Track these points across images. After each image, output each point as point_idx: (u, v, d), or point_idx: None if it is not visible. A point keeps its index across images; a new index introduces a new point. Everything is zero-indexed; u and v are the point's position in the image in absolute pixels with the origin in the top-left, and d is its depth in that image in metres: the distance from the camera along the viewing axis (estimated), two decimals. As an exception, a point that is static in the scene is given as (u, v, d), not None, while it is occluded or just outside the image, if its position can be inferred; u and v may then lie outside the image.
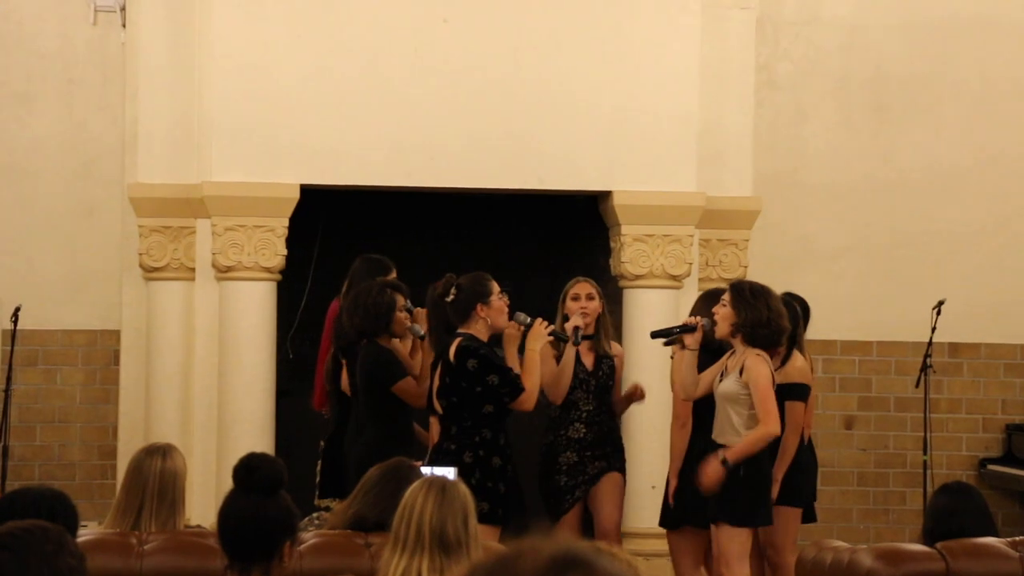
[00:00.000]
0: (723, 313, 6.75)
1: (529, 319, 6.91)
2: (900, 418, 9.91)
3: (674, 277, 9.07)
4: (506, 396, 6.66)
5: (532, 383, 6.75)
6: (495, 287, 6.80)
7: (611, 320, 7.79)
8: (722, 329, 6.75)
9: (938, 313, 8.95)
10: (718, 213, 9.16)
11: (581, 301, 7.45)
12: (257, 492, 4.24)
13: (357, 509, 5.13)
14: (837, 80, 10.03)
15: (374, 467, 5.23)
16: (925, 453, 9.17)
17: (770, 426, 6.63)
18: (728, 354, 6.85)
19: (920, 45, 10.05)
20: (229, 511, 4.27)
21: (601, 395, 7.52)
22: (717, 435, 6.77)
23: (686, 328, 6.94)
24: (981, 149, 10.07)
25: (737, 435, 6.67)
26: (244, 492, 4.27)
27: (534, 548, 1.78)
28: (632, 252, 9.03)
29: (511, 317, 6.87)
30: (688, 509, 7.07)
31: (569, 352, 7.39)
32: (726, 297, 6.79)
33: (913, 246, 10.02)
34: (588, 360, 7.53)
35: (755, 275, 9.32)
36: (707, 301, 7.19)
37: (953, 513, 5.43)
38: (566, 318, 7.41)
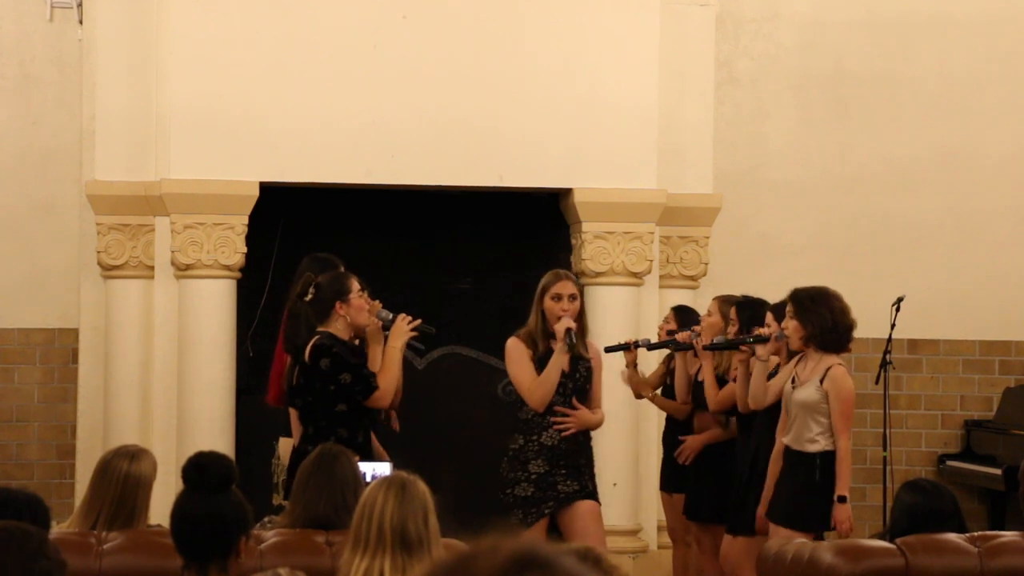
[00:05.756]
0: (791, 326, 6.81)
1: (391, 315, 6.79)
2: (860, 414, 9.92)
3: (635, 274, 9.08)
4: (359, 395, 6.56)
5: (387, 381, 6.62)
6: (355, 285, 6.67)
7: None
8: (793, 341, 6.85)
9: (897, 309, 8.98)
10: (679, 210, 9.17)
11: (563, 302, 6.85)
12: (209, 490, 4.23)
13: (303, 506, 5.12)
14: (797, 77, 10.05)
15: (302, 465, 5.26)
16: (885, 449, 9.21)
17: (846, 441, 6.72)
18: (796, 360, 6.89)
19: (879, 42, 10.09)
20: (183, 511, 4.25)
21: (577, 398, 6.96)
22: (793, 442, 6.83)
23: (759, 339, 6.97)
24: (940, 145, 10.11)
25: (814, 443, 6.73)
26: (195, 491, 4.25)
27: (494, 547, 1.77)
28: (593, 249, 9.03)
29: (377, 312, 6.78)
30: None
31: (559, 357, 6.83)
32: (789, 309, 6.82)
33: (872, 242, 10.06)
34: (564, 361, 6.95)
35: (715, 272, 9.36)
36: (725, 305, 7.55)
37: (928, 514, 5.43)
38: (543, 315, 6.89)
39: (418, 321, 6.80)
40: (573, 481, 6.93)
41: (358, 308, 6.66)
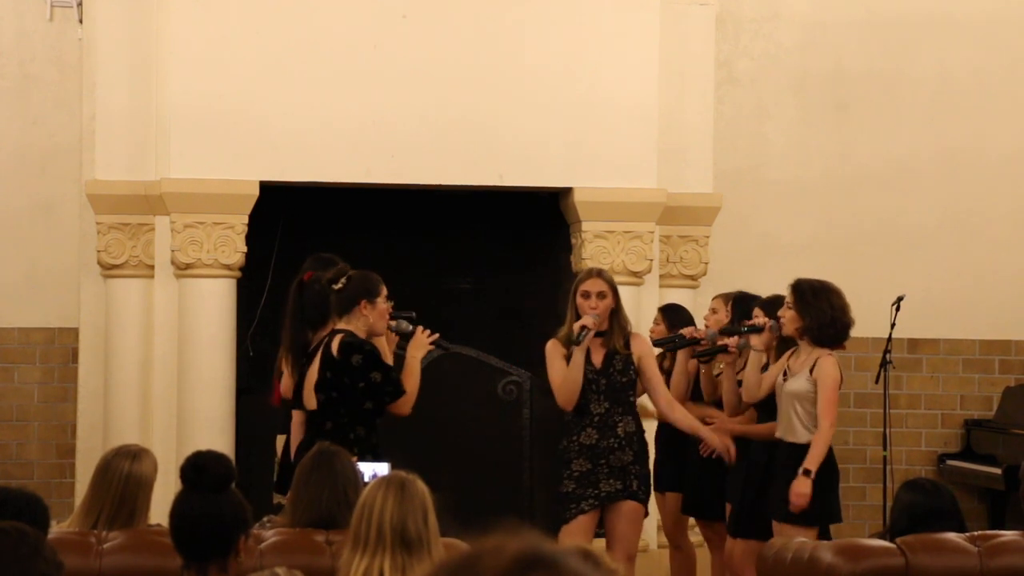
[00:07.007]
0: (788, 316, 6.82)
1: (411, 328, 6.82)
2: (860, 414, 9.94)
3: (635, 273, 9.07)
4: (387, 396, 6.58)
5: (412, 387, 6.66)
6: (384, 290, 6.69)
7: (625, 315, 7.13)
8: (788, 331, 6.85)
9: (897, 309, 8.99)
10: (679, 209, 9.17)
11: (591, 300, 6.88)
12: (207, 490, 4.23)
13: (306, 503, 5.12)
14: (797, 77, 10.05)
15: (300, 463, 5.26)
16: (885, 449, 9.21)
17: (828, 425, 6.71)
18: (789, 353, 6.90)
19: (879, 42, 10.09)
20: (182, 511, 4.25)
21: (614, 395, 6.95)
22: (783, 433, 6.85)
23: (753, 329, 6.97)
24: (940, 145, 10.11)
25: (808, 432, 6.75)
26: (194, 491, 4.25)
27: (498, 546, 1.76)
28: (593, 248, 9.02)
29: (394, 325, 6.79)
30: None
31: (577, 356, 6.86)
32: (789, 299, 6.82)
33: (872, 242, 10.06)
34: (597, 357, 6.97)
35: (715, 272, 9.36)
36: (727, 302, 7.54)
37: (927, 513, 5.44)
38: (579, 316, 6.90)
39: (436, 336, 6.85)
40: (616, 480, 6.94)
41: (381, 312, 6.67)
